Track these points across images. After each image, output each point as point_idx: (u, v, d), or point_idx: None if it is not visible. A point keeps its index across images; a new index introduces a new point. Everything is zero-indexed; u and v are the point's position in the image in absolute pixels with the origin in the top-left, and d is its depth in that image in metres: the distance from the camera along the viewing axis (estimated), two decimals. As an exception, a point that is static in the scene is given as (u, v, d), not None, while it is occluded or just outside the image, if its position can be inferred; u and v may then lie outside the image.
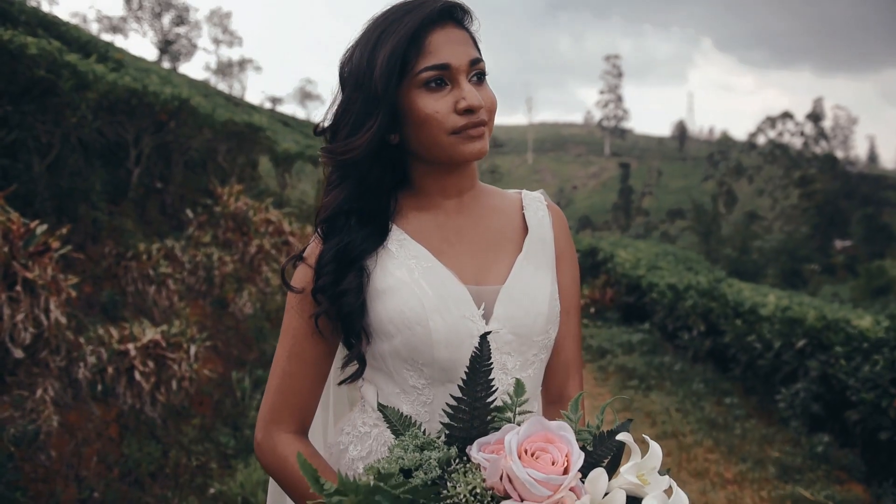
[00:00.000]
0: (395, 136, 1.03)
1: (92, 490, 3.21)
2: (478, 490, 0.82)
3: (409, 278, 1.02)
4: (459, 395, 0.90)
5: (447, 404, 0.89)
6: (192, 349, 4.47)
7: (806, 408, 4.42)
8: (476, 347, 0.89)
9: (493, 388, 0.89)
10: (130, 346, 4.05)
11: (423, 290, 1.01)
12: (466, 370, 0.89)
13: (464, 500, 0.81)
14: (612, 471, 0.86)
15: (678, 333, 6.94)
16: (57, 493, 3.07)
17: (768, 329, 5.00)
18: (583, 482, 0.82)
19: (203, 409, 4.49)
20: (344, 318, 1.02)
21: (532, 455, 0.82)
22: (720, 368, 6.18)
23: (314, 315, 1.03)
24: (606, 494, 0.83)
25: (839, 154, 57.86)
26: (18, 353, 3.32)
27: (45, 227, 3.67)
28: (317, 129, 1.08)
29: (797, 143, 58.27)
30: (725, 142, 68.34)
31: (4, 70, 4.42)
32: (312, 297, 1.03)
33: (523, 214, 1.14)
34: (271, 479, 1.23)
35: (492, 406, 0.90)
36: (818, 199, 44.40)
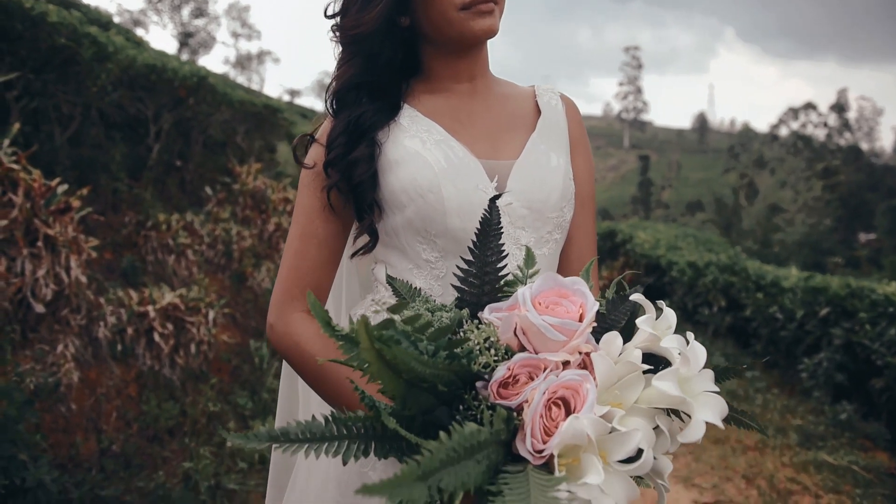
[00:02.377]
0: (406, 18, 1.01)
1: (111, 442, 3.25)
2: (492, 338, 0.81)
3: (422, 148, 1.01)
4: (472, 253, 0.88)
5: (458, 267, 0.87)
6: (211, 314, 4.50)
7: (829, 377, 4.35)
8: (485, 210, 0.88)
9: (504, 254, 0.88)
10: (150, 308, 4.08)
11: (436, 159, 1.00)
12: (476, 233, 0.87)
13: (478, 349, 0.80)
14: (626, 339, 0.84)
15: (698, 310, 6.85)
16: (77, 444, 3.11)
17: (790, 300, 4.92)
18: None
19: (221, 375, 4.52)
20: (355, 188, 1.01)
21: (546, 308, 0.80)
22: (741, 344, 6.10)
23: (326, 187, 1.01)
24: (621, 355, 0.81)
25: (864, 146, 56.87)
26: (40, 308, 3.36)
27: (65, 186, 3.71)
28: (326, 11, 1.06)
29: (820, 134, 57.39)
30: (747, 133, 67.47)
31: (26, 37, 4.46)
32: (324, 171, 1.02)
33: (536, 102, 1.13)
34: (283, 366, 1.23)
35: (502, 274, 0.89)
36: (842, 191, 43.65)
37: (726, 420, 0.90)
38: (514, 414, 0.75)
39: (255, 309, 5.92)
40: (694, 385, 0.83)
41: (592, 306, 0.82)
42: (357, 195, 1.02)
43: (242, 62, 46.34)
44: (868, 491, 3.31)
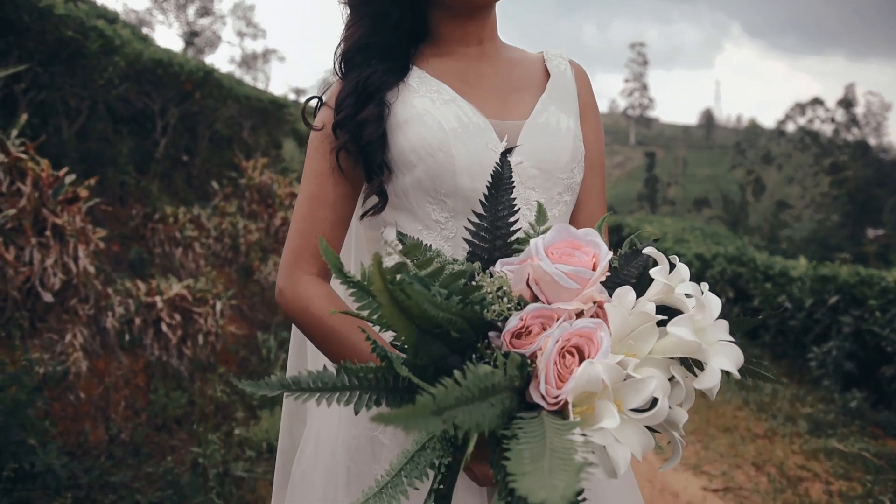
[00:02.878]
0: None
1: (120, 431, 3.25)
2: (504, 288, 0.80)
3: (431, 107, 1.00)
4: (482, 212, 0.88)
5: (469, 220, 0.87)
6: (218, 305, 4.51)
7: (839, 366, 4.32)
8: (497, 163, 0.87)
9: (516, 209, 0.87)
10: (157, 298, 4.09)
11: (446, 118, 0.99)
12: (488, 187, 0.87)
13: (490, 297, 0.79)
14: (639, 295, 0.84)
15: (706, 302, 6.75)
16: (86, 432, 3.11)
17: (799, 289, 4.89)
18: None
19: (229, 366, 4.52)
20: (364, 149, 1.00)
21: (559, 258, 0.80)
22: (749, 335, 6.06)
23: (335, 149, 1.01)
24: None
25: (872, 141, 56.46)
26: (48, 297, 3.36)
27: (73, 176, 3.72)
28: None
29: (828, 130, 57.04)
30: (753, 129, 67.16)
31: (33, 29, 4.47)
32: (332, 132, 1.01)
33: (545, 66, 1.12)
34: (293, 333, 1.23)
35: (514, 229, 0.88)
36: (849, 187, 43.29)
37: (741, 372, 0.89)
38: (528, 361, 0.74)
39: (262, 302, 5.93)
40: (709, 334, 0.82)
41: (606, 255, 0.81)
42: (366, 156, 1.01)
43: (248, 61, 46.42)
44: (879, 477, 3.29)
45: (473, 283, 0.83)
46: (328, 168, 1.02)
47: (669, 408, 0.78)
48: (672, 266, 0.88)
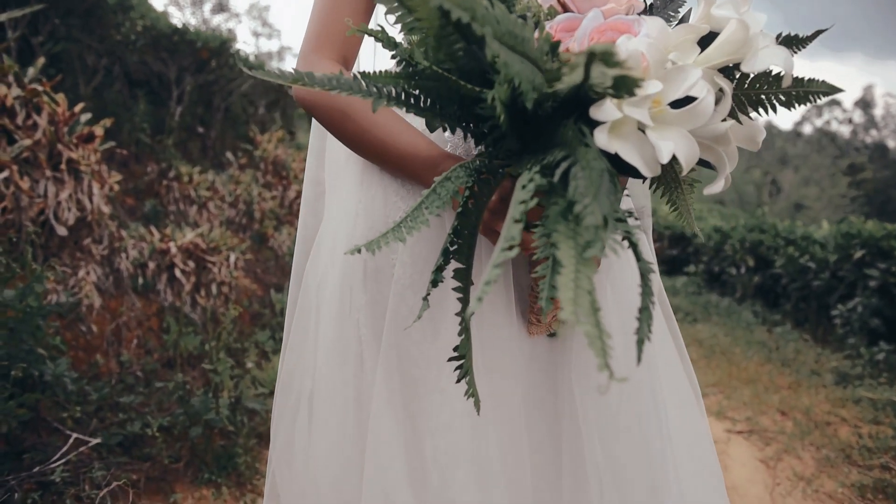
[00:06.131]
0: None
1: (132, 363, 3.21)
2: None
3: None
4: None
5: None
6: (232, 257, 4.47)
7: (864, 323, 4.20)
8: None
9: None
10: (171, 244, 4.06)
11: None
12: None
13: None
14: None
15: (726, 270, 6.63)
16: (97, 362, 3.08)
17: (822, 248, 4.77)
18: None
19: (242, 319, 4.48)
20: None
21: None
22: (769, 304, 5.94)
23: None
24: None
25: (890, 143, 55.79)
26: (62, 231, 3.33)
27: (89, 115, 3.69)
28: None
29: (845, 131, 56.45)
30: (769, 131, 66.56)
31: (50, -21, 4.47)
32: None
33: None
34: (313, 124, 1.19)
35: None
36: (868, 189, 42.82)
37: (787, 101, 0.83)
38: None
39: (276, 267, 5.89)
40: (753, 43, 0.76)
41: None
42: None
43: (263, 61, 46.61)
44: (910, 421, 3.18)
45: None
46: None
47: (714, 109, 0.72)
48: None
